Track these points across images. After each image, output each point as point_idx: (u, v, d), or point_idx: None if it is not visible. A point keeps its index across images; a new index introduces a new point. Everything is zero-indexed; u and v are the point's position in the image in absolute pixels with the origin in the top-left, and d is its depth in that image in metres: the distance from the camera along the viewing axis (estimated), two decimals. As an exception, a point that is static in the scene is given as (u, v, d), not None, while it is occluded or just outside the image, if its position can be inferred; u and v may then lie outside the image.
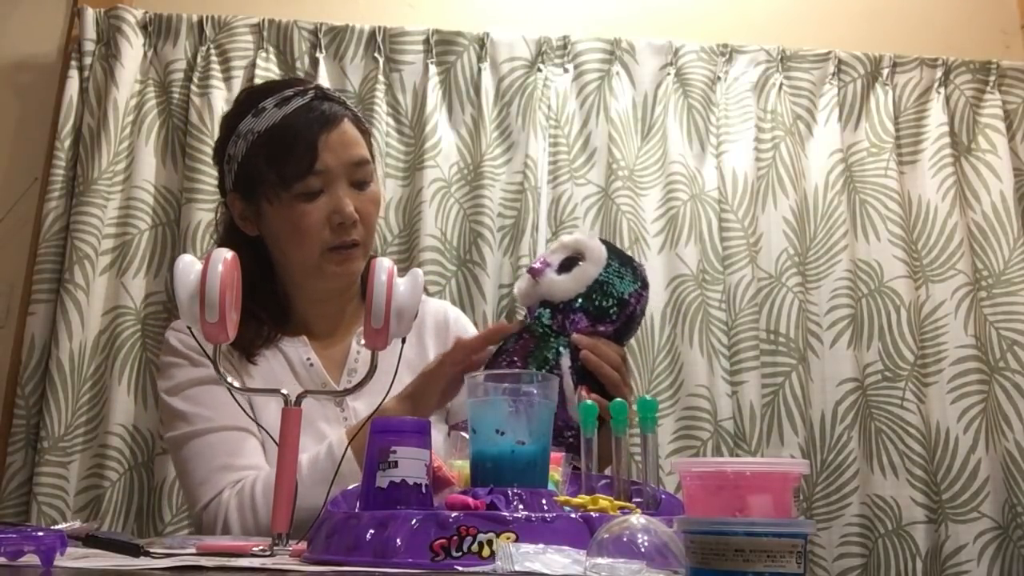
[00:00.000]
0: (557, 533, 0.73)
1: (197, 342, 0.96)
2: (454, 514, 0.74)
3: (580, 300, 1.15)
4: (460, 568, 0.71)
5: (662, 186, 2.22)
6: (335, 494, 0.90)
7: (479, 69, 2.24)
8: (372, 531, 0.75)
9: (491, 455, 0.85)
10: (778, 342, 2.18)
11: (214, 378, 1.26)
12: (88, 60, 2.17)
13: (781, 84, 2.31)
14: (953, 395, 2.19)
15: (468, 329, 1.46)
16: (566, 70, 2.27)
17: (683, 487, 0.70)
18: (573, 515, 0.76)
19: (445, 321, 1.43)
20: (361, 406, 1.29)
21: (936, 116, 2.33)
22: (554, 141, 2.22)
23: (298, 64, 2.21)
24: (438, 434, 1.05)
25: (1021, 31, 2.56)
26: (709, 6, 2.48)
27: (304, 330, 1.36)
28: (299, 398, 0.93)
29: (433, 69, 2.23)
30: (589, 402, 0.94)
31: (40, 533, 0.71)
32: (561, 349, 1.14)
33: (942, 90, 2.35)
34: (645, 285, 1.18)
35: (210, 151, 1.55)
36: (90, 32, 2.18)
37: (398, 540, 0.73)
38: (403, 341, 0.96)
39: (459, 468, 0.91)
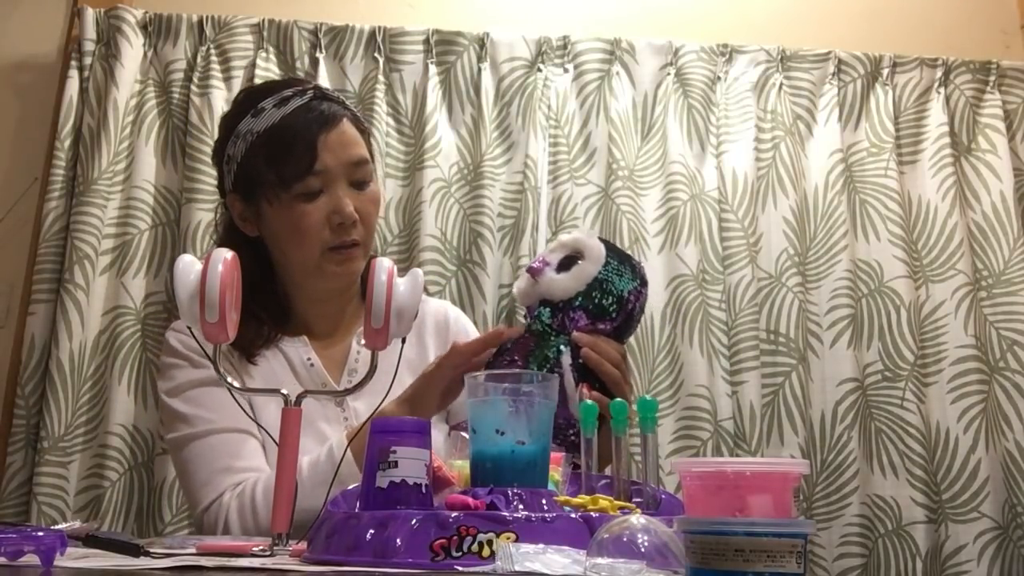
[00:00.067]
0: (557, 533, 0.73)
1: (197, 342, 0.96)
2: (454, 514, 0.74)
3: (580, 298, 1.15)
4: (460, 568, 0.71)
5: (662, 186, 2.22)
6: (335, 495, 0.90)
7: (479, 69, 2.24)
8: (372, 531, 0.75)
9: (491, 455, 0.85)
10: (778, 342, 2.18)
11: (214, 379, 1.26)
12: (88, 60, 2.17)
13: (781, 84, 2.31)
14: (953, 395, 2.19)
15: (468, 329, 1.46)
16: (566, 70, 2.27)
17: (683, 487, 0.70)
18: (573, 515, 0.76)
19: (445, 321, 1.43)
20: (361, 406, 1.29)
21: (936, 116, 2.33)
22: (554, 141, 2.22)
23: (298, 64, 2.21)
24: (438, 434, 1.05)
25: (1021, 31, 2.56)
26: (709, 6, 2.48)
27: (304, 330, 1.36)
28: (299, 398, 0.93)
29: (433, 69, 2.23)
30: (589, 402, 0.94)
31: (40, 533, 0.71)
32: (562, 347, 1.14)
33: (942, 90, 2.35)
34: (644, 283, 1.18)
35: (210, 151, 1.55)
36: (90, 32, 2.18)
37: (398, 540, 0.73)
38: (403, 341, 0.96)
39: (459, 468, 0.91)
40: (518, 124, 2.23)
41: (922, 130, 2.34)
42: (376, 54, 2.22)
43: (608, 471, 0.97)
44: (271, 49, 2.21)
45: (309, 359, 1.33)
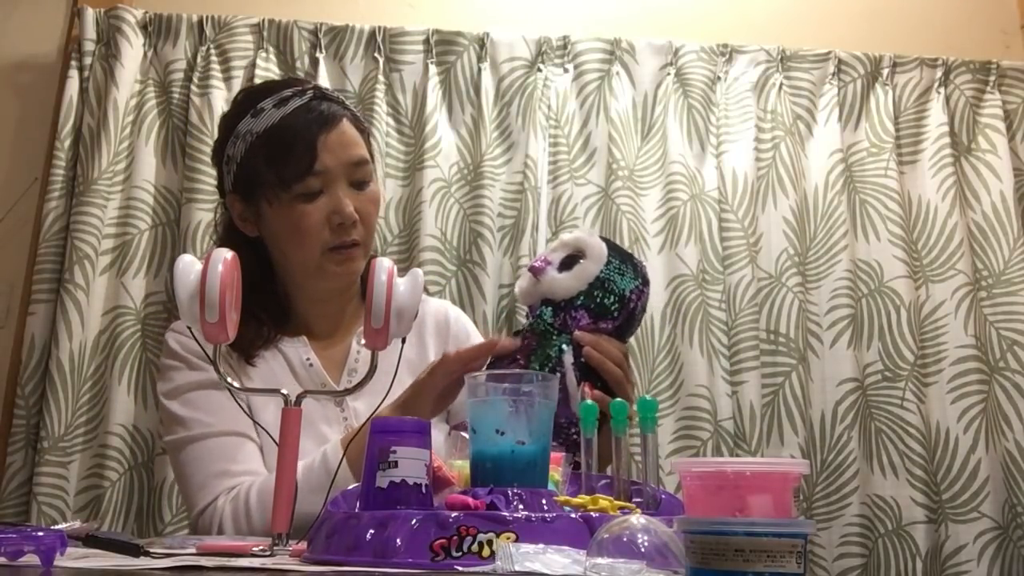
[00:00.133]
0: (557, 533, 0.73)
1: (197, 342, 0.96)
2: (454, 514, 0.74)
3: (582, 298, 1.15)
4: (460, 568, 0.71)
5: (662, 186, 2.22)
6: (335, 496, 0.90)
7: (479, 69, 2.24)
8: (372, 531, 0.75)
9: (491, 455, 0.85)
10: (778, 342, 2.18)
11: (212, 382, 1.26)
12: (88, 60, 2.17)
13: (781, 84, 2.31)
14: (953, 395, 2.19)
15: (469, 329, 1.46)
16: (566, 70, 2.27)
17: (683, 487, 0.70)
18: (573, 515, 0.76)
19: (446, 321, 1.43)
20: (361, 406, 1.29)
21: (936, 116, 2.33)
22: (554, 141, 2.22)
23: (298, 64, 2.21)
24: (438, 434, 1.05)
25: (1021, 31, 2.56)
26: (709, 6, 2.48)
27: (304, 330, 1.36)
28: (299, 398, 0.93)
29: (433, 69, 2.23)
30: (589, 402, 0.94)
31: (40, 533, 0.71)
32: (564, 347, 1.14)
33: (942, 90, 2.35)
34: (646, 282, 1.18)
35: (210, 151, 1.55)
36: (90, 32, 2.18)
37: (398, 540, 0.73)
38: (403, 341, 0.96)
39: (459, 468, 0.91)
40: (518, 124, 2.23)
41: (922, 130, 2.34)
42: (376, 54, 2.22)
43: (608, 471, 0.97)
44: (271, 49, 2.21)
45: (308, 359, 1.33)
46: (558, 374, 1.12)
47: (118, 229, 2.10)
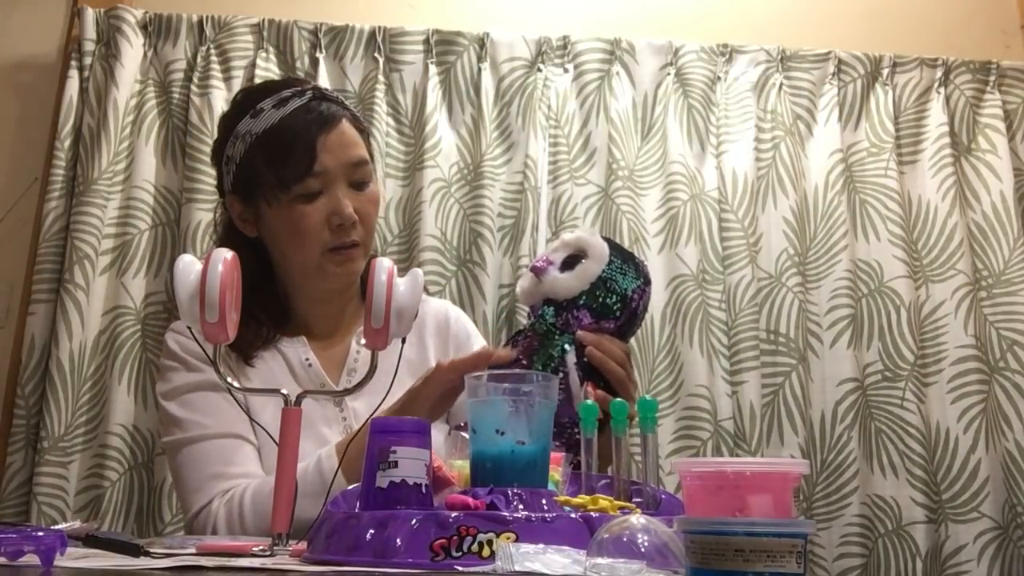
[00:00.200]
0: (557, 533, 0.73)
1: (197, 343, 0.95)
2: (454, 514, 0.74)
3: (584, 297, 1.15)
4: (460, 568, 0.71)
5: (662, 186, 2.22)
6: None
7: (479, 69, 2.24)
8: (372, 531, 0.75)
9: (491, 455, 0.85)
10: (778, 342, 2.18)
11: (210, 383, 1.26)
12: (88, 60, 2.17)
13: (781, 84, 2.31)
14: (953, 395, 2.19)
15: (469, 329, 1.46)
16: (566, 70, 2.27)
17: (683, 487, 0.70)
18: (573, 515, 0.76)
19: (446, 321, 1.43)
20: (360, 406, 1.29)
21: (936, 116, 2.33)
22: (554, 141, 2.22)
23: (298, 64, 2.21)
24: (438, 434, 1.05)
25: (1021, 31, 2.56)
26: (709, 6, 2.48)
27: (304, 330, 1.36)
28: (299, 398, 0.93)
29: (433, 69, 2.23)
30: (589, 402, 0.94)
31: (40, 533, 0.71)
32: (566, 346, 1.14)
33: (942, 90, 2.36)
34: (647, 281, 1.18)
35: (210, 151, 1.55)
36: (90, 32, 2.18)
37: (398, 540, 0.73)
38: (403, 341, 0.96)
39: (459, 468, 0.91)
40: (518, 124, 2.23)
41: (922, 130, 2.34)
42: (376, 54, 2.22)
43: (608, 471, 0.97)
44: (271, 49, 2.21)
45: (307, 359, 1.33)
46: (560, 374, 1.12)
47: (118, 229, 2.10)
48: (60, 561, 0.71)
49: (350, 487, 0.91)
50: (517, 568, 0.66)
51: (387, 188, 2.16)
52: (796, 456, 2.11)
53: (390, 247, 2.15)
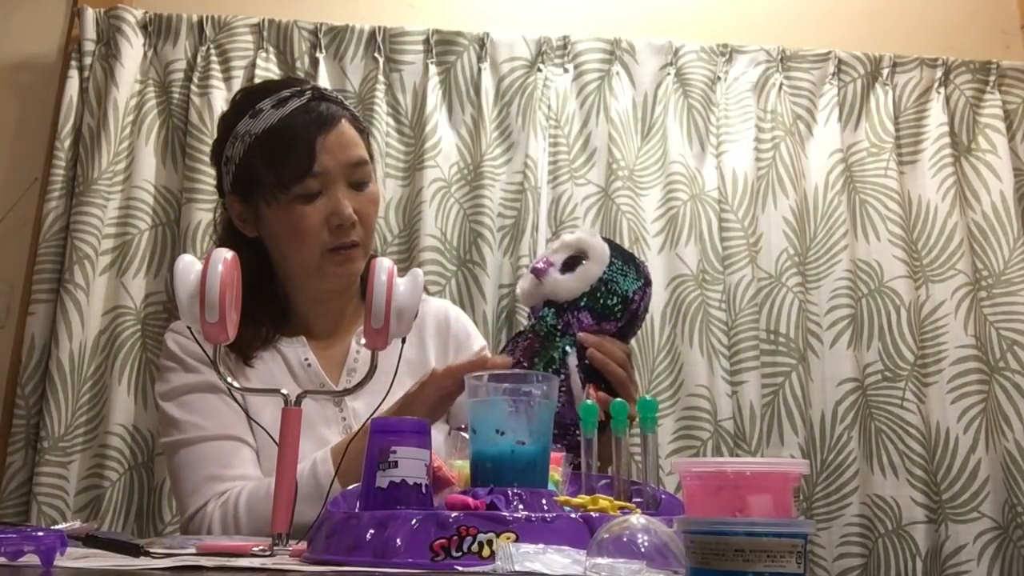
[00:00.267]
0: (557, 533, 0.73)
1: (198, 343, 0.96)
2: (454, 514, 0.74)
3: (584, 299, 1.15)
4: (460, 568, 0.71)
5: (662, 186, 2.22)
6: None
7: (479, 69, 2.24)
8: (372, 531, 0.75)
9: (491, 455, 0.85)
10: (778, 342, 2.18)
11: (207, 385, 1.26)
12: (88, 60, 2.17)
13: (781, 84, 2.31)
14: (953, 395, 2.19)
15: (469, 329, 1.46)
16: (566, 70, 2.27)
17: (683, 487, 0.70)
18: (573, 515, 0.76)
19: (446, 321, 1.43)
20: (360, 406, 1.29)
21: (936, 116, 2.33)
22: (554, 141, 2.22)
23: (298, 64, 2.21)
24: (438, 434, 1.05)
25: (1021, 31, 2.56)
26: (709, 6, 2.48)
27: (303, 330, 1.36)
28: (299, 398, 0.93)
29: (433, 69, 2.23)
30: (589, 402, 0.94)
31: (40, 533, 0.71)
32: (567, 348, 1.14)
33: (942, 90, 2.35)
34: (648, 282, 1.18)
35: (209, 151, 1.55)
36: (90, 32, 2.18)
37: (398, 540, 0.73)
38: (403, 341, 0.96)
39: (459, 468, 0.91)
40: (518, 124, 2.23)
41: (922, 130, 2.34)
42: (376, 54, 2.22)
43: (608, 471, 0.97)
44: (271, 49, 2.21)
45: (307, 359, 1.33)
46: (562, 376, 1.12)
47: (118, 229, 2.10)
48: (60, 561, 0.71)
49: (350, 487, 0.91)
50: (517, 568, 0.66)
51: (387, 188, 2.16)
52: (796, 456, 2.11)
53: (390, 247, 2.15)
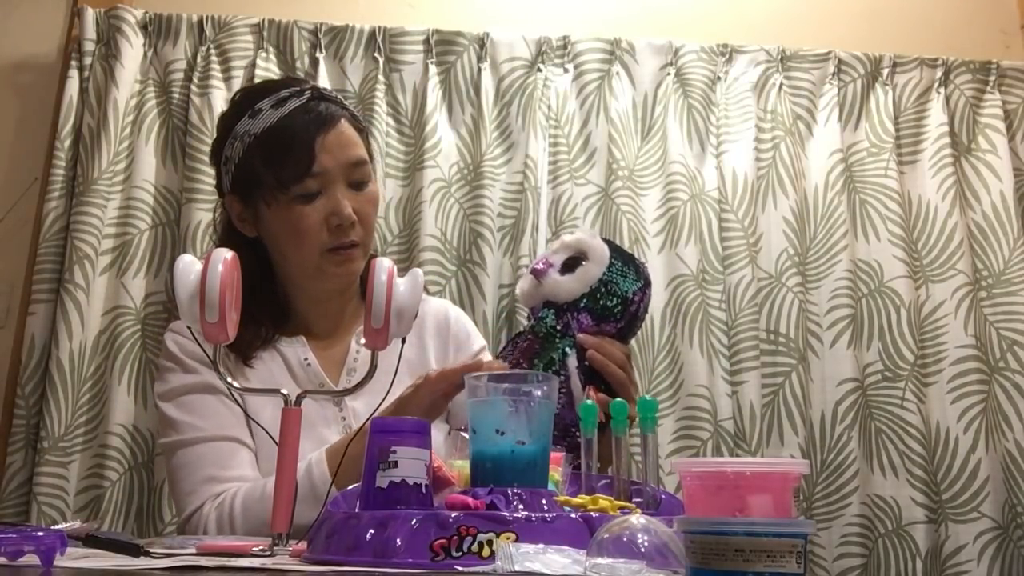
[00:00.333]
0: (557, 533, 0.73)
1: (197, 342, 0.96)
2: (454, 514, 0.74)
3: (584, 300, 1.15)
4: (460, 568, 0.71)
5: (662, 186, 2.22)
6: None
7: (479, 69, 2.24)
8: (372, 531, 0.75)
9: (491, 455, 0.85)
10: (778, 342, 2.18)
11: (206, 385, 1.26)
12: (88, 60, 2.16)
13: (781, 84, 2.31)
14: (953, 395, 2.19)
15: (469, 329, 1.46)
16: (566, 70, 2.27)
17: (683, 487, 0.70)
18: (573, 515, 0.76)
19: (446, 321, 1.43)
20: (360, 406, 1.29)
21: (936, 116, 2.33)
22: (554, 141, 2.22)
23: (298, 64, 2.21)
24: (438, 434, 1.05)
25: (1021, 31, 2.56)
26: (709, 6, 2.48)
27: (303, 330, 1.36)
28: (299, 398, 0.93)
29: (433, 69, 2.23)
30: (589, 402, 0.94)
31: (40, 533, 0.71)
32: (567, 350, 1.14)
33: (942, 90, 2.35)
34: (648, 283, 1.18)
35: (209, 151, 1.55)
36: (90, 32, 2.18)
37: (398, 540, 0.73)
38: (403, 341, 0.96)
39: (459, 468, 0.91)
40: (518, 124, 2.23)
41: (922, 130, 2.34)
42: (376, 54, 2.22)
43: (608, 471, 0.97)
44: (271, 49, 2.21)
45: (306, 359, 1.33)
46: (561, 377, 1.12)
47: (118, 229, 2.10)
48: (60, 561, 0.71)
49: (349, 487, 0.91)
50: (517, 568, 0.66)
51: (387, 188, 2.16)
52: (796, 456, 2.11)
53: (390, 247, 2.15)
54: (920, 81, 2.37)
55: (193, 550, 0.85)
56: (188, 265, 0.90)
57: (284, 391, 0.93)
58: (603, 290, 1.15)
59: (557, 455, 0.93)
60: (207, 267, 0.89)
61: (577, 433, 1.06)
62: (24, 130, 2.25)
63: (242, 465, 1.23)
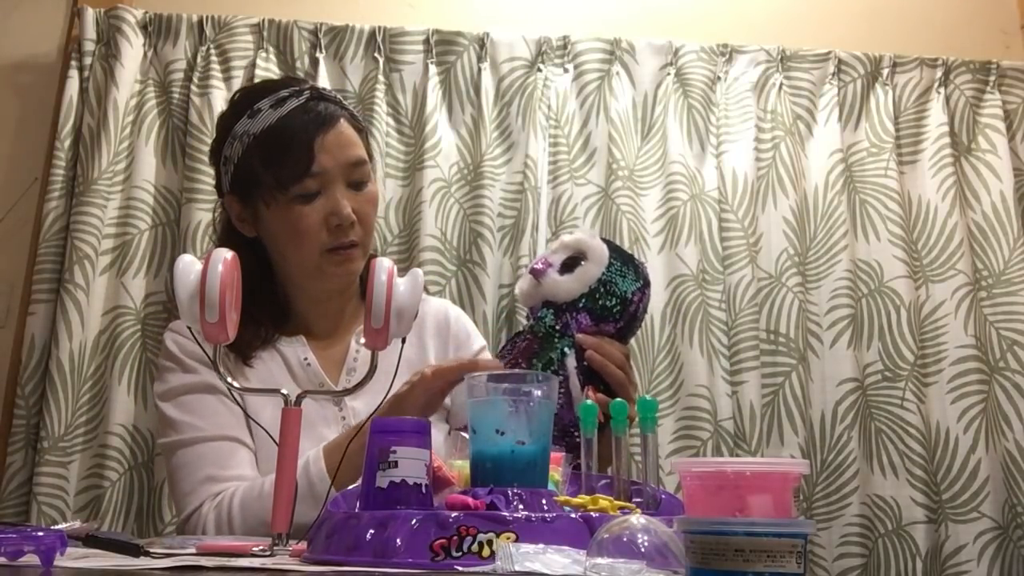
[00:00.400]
0: (557, 533, 0.73)
1: (197, 342, 0.96)
2: (454, 514, 0.74)
3: (583, 300, 1.15)
4: (460, 568, 0.71)
5: (662, 186, 2.22)
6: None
7: (479, 69, 2.24)
8: (372, 531, 0.75)
9: (491, 455, 0.85)
10: (778, 342, 2.18)
11: (204, 385, 1.26)
12: (88, 60, 2.16)
13: (781, 84, 2.31)
14: (953, 395, 2.19)
15: (469, 329, 1.46)
16: (566, 70, 2.27)
17: (683, 487, 0.70)
18: (573, 515, 0.76)
19: (446, 321, 1.43)
20: (360, 406, 1.29)
21: (936, 116, 2.33)
22: (554, 141, 2.22)
23: (298, 64, 2.21)
24: (438, 434, 1.05)
25: (1021, 31, 2.56)
26: (709, 6, 2.48)
27: (303, 330, 1.36)
28: (299, 398, 0.93)
29: (433, 69, 2.23)
30: (589, 402, 0.94)
31: (40, 533, 0.71)
32: (566, 350, 1.14)
33: (942, 90, 2.35)
34: (647, 283, 1.18)
35: (208, 151, 1.55)
36: (90, 32, 2.18)
37: (398, 540, 0.73)
38: (403, 341, 0.96)
39: (459, 468, 0.91)
40: (518, 124, 2.23)
41: (922, 130, 2.34)
42: (376, 54, 2.22)
43: (608, 471, 0.97)
44: (271, 49, 2.21)
45: (306, 359, 1.33)
46: (561, 377, 1.12)
47: (118, 229, 2.10)
48: (60, 561, 0.71)
49: (349, 487, 0.91)
50: (517, 568, 0.66)
51: (387, 188, 2.16)
52: (796, 456, 2.11)
53: (390, 247, 2.15)
54: (920, 81, 2.37)
55: (193, 550, 0.85)
56: (188, 265, 0.90)
57: (284, 391, 0.93)
58: (602, 290, 1.15)
59: (557, 455, 0.93)
60: (207, 267, 0.89)
61: (576, 433, 1.07)
62: (24, 130, 2.25)
63: (241, 465, 1.23)
